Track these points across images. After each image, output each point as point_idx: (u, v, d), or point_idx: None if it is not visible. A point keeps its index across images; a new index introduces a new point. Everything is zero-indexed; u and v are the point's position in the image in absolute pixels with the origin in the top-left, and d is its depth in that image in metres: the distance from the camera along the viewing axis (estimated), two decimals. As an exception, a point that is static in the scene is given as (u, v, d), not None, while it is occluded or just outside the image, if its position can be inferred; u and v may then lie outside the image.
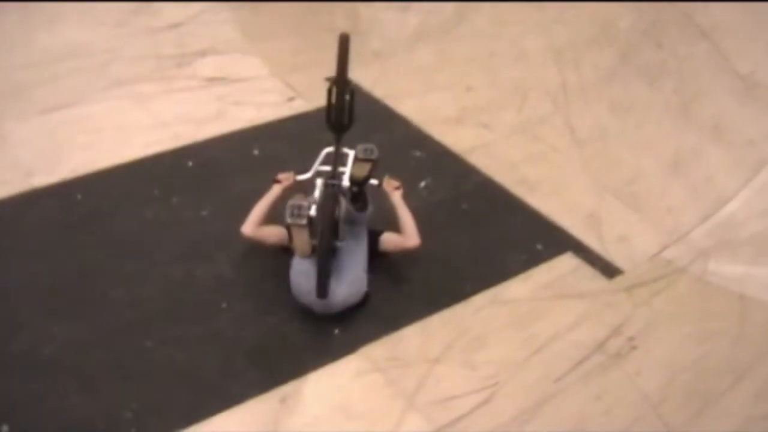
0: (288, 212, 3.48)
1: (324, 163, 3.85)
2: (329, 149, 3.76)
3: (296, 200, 3.52)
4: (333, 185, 3.62)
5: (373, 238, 3.91)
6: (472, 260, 4.13)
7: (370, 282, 3.79)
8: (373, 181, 3.95)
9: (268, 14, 5.82)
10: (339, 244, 3.72)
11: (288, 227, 3.70)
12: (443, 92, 5.33)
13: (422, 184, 4.57)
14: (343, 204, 3.76)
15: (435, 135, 4.96)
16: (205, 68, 5.32)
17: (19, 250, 3.95)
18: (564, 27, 5.43)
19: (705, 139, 4.65)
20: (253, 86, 5.25)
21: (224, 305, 3.74)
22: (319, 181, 3.75)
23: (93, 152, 4.51)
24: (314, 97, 5.06)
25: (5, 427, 3.17)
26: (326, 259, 3.55)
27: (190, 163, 4.56)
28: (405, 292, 3.93)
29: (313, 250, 3.60)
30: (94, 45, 5.32)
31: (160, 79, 5.15)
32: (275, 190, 3.95)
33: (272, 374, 3.44)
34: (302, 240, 3.56)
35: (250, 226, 3.89)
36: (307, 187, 3.84)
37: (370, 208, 3.97)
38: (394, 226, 3.95)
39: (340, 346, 3.61)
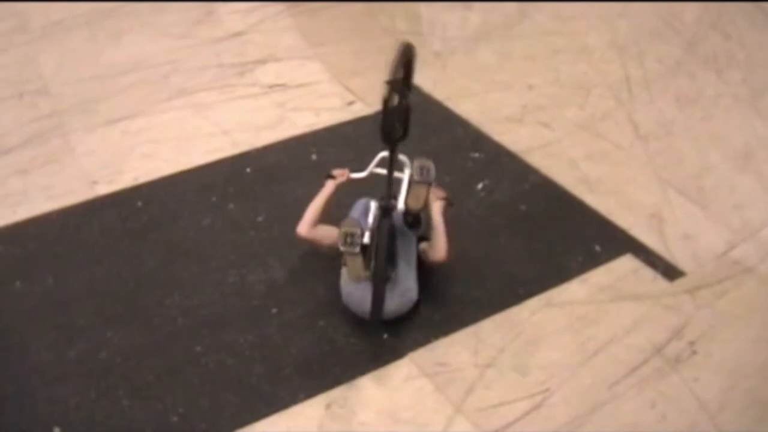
0: (341, 240, 3.43)
1: (380, 165, 3.79)
2: (385, 153, 3.67)
3: (349, 227, 3.45)
4: (387, 210, 3.58)
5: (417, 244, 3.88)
6: (528, 262, 4.04)
7: (421, 286, 3.75)
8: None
9: (327, 19, 5.84)
10: (392, 271, 3.68)
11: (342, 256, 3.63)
12: (504, 91, 5.24)
13: (479, 185, 4.50)
14: (397, 225, 3.74)
15: (494, 135, 4.88)
16: (266, 75, 5.38)
17: (81, 258, 4.07)
18: (627, 21, 5.28)
19: (776, 132, 4.44)
20: (313, 91, 5.27)
21: (275, 311, 3.77)
22: (374, 205, 3.73)
23: (154, 161, 4.62)
24: (374, 101, 5.04)
25: (57, 429, 3.27)
26: (382, 287, 3.51)
27: (248, 170, 4.61)
28: (458, 296, 3.87)
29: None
30: (158, 57, 5.45)
31: (220, 88, 5.23)
32: (329, 187, 3.91)
33: (319, 380, 3.45)
34: (355, 267, 3.51)
35: (305, 227, 3.86)
36: (361, 188, 3.83)
37: (422, 226, 3.92)
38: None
39: (389, 351, 3.58)
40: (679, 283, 3.88)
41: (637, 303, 3.78)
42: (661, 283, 3.89)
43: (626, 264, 4.00)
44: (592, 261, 4.02)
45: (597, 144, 4.75)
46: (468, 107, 5.10)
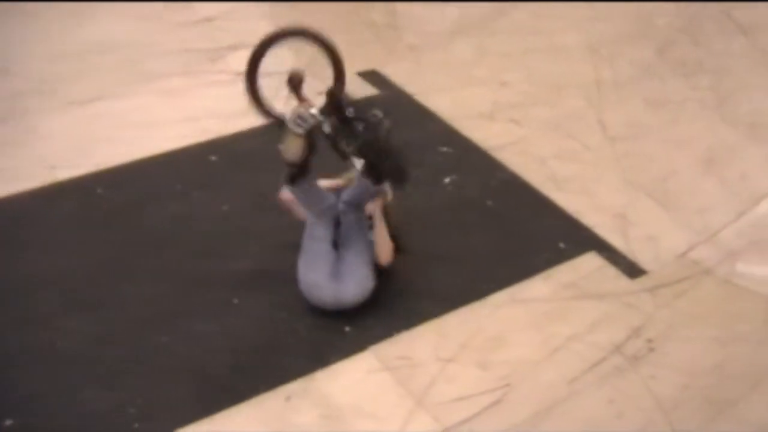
0: (292, 118, 3.55)
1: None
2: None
3: (303, 109, 3.58)
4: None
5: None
6: (493, 258, 4.05)
7: (384, 280, 3.74)
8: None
9: (304, 10, 5.78)
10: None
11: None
12: (477, 87, 5.24)
13: (447, 180, 4.50)
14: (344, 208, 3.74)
15: (464, 131, 4.88)
16: (237, 62, 5.28)
17: (40, 244, 4.01)
18: (602, 23, 5.33)
19: (740, 137, 4.51)
20: (283, 80, 5.20)
21: (236, 301, 3.74)
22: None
23: (117, 146, 4.55)
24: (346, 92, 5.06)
25: (8, 422, 3.21)
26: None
27: (214, 158, 4.57)
28: (421, 289, 3.86)
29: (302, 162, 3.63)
30: (126, 39, 5.39)
31: (190, 74, 5.18)
32: None
33: (280, 371, 3.43)
34: (295, 146, 3.60)
35: (287, 193, 3.86)
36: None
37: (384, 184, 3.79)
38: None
39: (351, 344, 3.57)
40: (641, 281, 3.91)
41: (599, 301, 3.81)
42: (623, 281, 3.91)
43: (590, 262, 4.02)
44: (557, 258, 4.03)
45: (566, 143, 4.77)
46: (440, 102, 5.09)
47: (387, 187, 3.82)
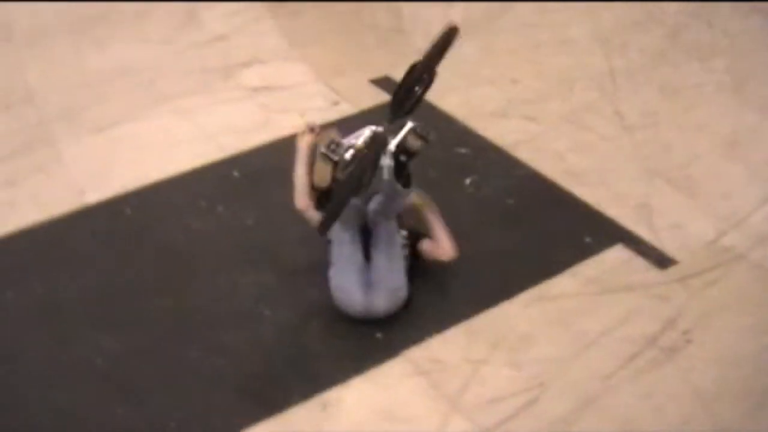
0: (325, 143, 3.48)
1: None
2: (374, 127, 3.64)
3: (337, 137, 3.52)
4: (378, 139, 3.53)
5: (414, 240, 3.86)
6: (518, 257, 4.04)
7: (412, 284, 3.75)
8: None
9: (310, 19, 5.83)
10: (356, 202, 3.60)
11: (315, 157, 3.64)
12: (488, 86, 5.24)
13: (467, 181, 4.51)
14: (385, 169, 3.64)
15: (479, 130, 4.88)
16: (250, 78, 5.36)
17: (71, 266, 4.06)
18: (609, 12, 5.29)
19: (762, 118, 4.46)
20: (298, 93, 5.26)
21: (267, 313, 3.77)
22: (368, 130, 3.63)
23: (141, 168, 4.59)
24: (359, 100, 5.08)
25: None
26: (344, 197, 3.41)
27: (236, 173, 4.60)
28: (449, 292, 3.87)
29: (329, 189, 3.57)
30: (142, 63, 5.43)
31: (205, 92, 5.22)
32: (302, 150, 3.82)
33: (314, 381, 3.45)
34: (323, 172, 3.53)
35: (302, 199, 3.77)
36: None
37: (412, 189, 3.79)
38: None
39: (383, 350, 3.58)
40: (671, 272, 3.89)
41: (629, 294, 3.80)
42: (652, 272, 3.90)
43: (617, 254, 4.01)
44: (583, 253, 4.02)
45: (583, 136, 4.77)
46: (452, 103, 5.08)
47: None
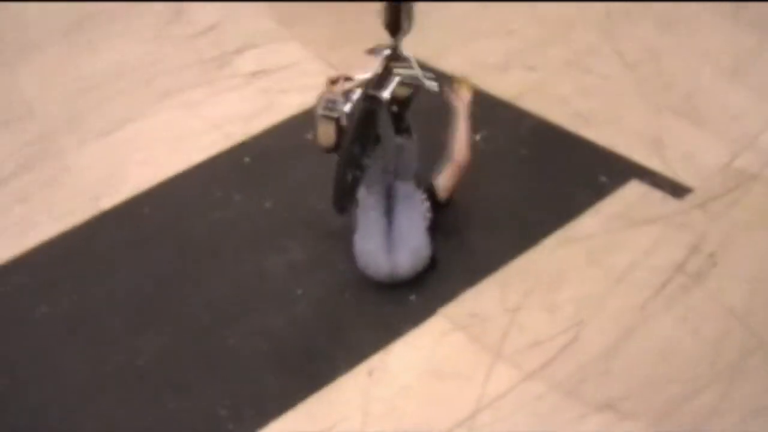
0: (322, 104, 3.54)
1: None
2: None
3: (333, 95, 3.56)
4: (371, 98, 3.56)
5: (431, 191, 3.88)
6: (538, 203, 4.09)
7: (438, 242, 3.79)
8: (432, 85, 3.74)
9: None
10: (368, 161, 3.63)
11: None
12: (485, 40, 5.23)
13: (477, 137, 4.52)
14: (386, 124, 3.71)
15: (482, 86, 4.85)
16: (246, 64, 5.35)
17: (98, 273, 4.08)
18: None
19: (764, 39, 4.47)
20: (296, 72, 5.25)
21: (299, 291, 3.80)
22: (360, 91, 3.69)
23: (152, 166, 4.61)
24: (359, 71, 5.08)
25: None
26: (343, 169, 3.48)
27: (247, 159, 4.62)
28: (475, 245, 3.92)
29: (337, 147, 3.61)
30: (137, 61, 5.41)
31: (204, 83, 5.21)
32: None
33: (356, 349, 3.50)
34: (327, 132, 3.59)
35: None
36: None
37: (415, 137, 3.88)
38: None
39: (419, 311, 3.63)
40: (689, 199, 3.94)
41: (651, 225, 3.84)
42: (670, 202, 3.94)
43: (634, 190, 4.05)
44: (600, 192, 4.06)
45: (586, 79, 4.78)
46: (452, 61, 5.05)
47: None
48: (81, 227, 4.34)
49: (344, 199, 3.61)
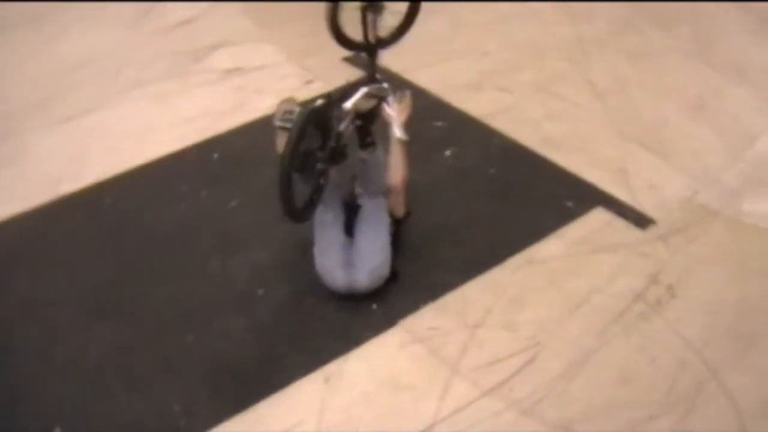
0: (278, 114, 3.47)
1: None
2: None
3: (289, 104, 3.50)
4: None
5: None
6: (504, 223, 4.12)
7: (402, 255, 3.80)
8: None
9: (276, 3, 5.80)
10: (322, 167, 3.55)
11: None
12: (459, 59, 5.29)
13: (447, 153, 4.56)
14: (345, 128, 3.64)
15: (455, 103, 4.93)
16: (221, 61, 5.33)
17: (55, 258, 4.01)
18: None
19: (727, 80, 4.62)
20: (270, 73, 5.24)
21: (261, 292, 3.78)
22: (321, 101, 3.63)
23: (117, 155, 4.55)
24: (332, 78, 5.06)
25: (57, 429, 3.25)
26: (285, 178, 3.35)
27: (215, 156, 4.58)
28: (440, 261, 3.92)
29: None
30: (107, 50, 5.36)
31: (176, 77, 5.17)
32: None
33: (314, 355, 3.48)
34: (283, 142, 3.47)
35: None
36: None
37: (381, 151, 3.80)
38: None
39: (380, 320, 3.63)
40: (651, 230, 4.02)
41: (613, 253, 3.91)
42: (633, 232, 4.02)
43: (598, 217, 4.12)
44: (566, 217, 4.12)
45: (556, 104, 4.86)
46: (426, 77, 5.12)
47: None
48: (40, 210, 4.25)
49: (295, 210, 3.48)
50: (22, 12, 5.75)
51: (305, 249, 3.87)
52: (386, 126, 3.74)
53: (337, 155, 3.64)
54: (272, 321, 3.67)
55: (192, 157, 4.57)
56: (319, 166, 3.53)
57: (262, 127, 4.77)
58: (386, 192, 3.78)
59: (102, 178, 4.43)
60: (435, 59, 5.28)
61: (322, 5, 5.47)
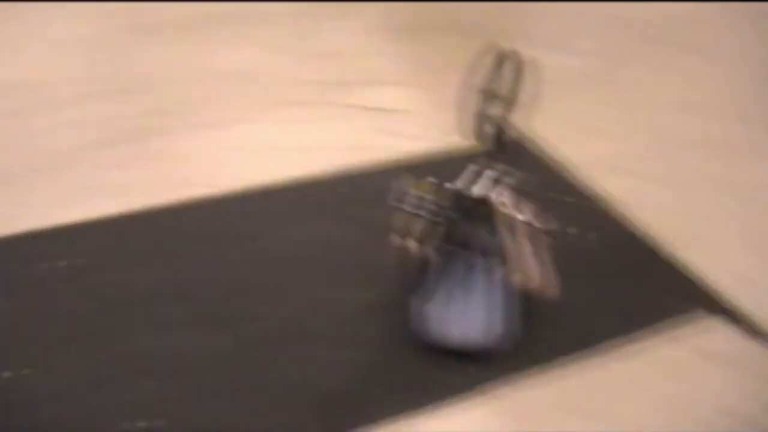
0: (406, 197, 3.47)
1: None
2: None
3: (420, 189, 3.51)
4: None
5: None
6: (614, 313, 3.98)
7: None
8: None
9: (435, 47, 5.87)
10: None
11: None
12: (601, 139, 5.21)
13: (571, 231, 4.47)
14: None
15: (589, 182, 4.84)
16: (365, 98, 5.43)
17: (172, 257, 4.15)
18: (728, 83, 5.25)
19: None
20: (412, 119, 5.30)
21: (363, 332, 3.79)
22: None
23: (248, 170, 4.69)
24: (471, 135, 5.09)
25: (142, 423, 3.32)
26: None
27: (343, 189, 4.65)
28: (545, 337, 3.81)
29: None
30: (257, 68, 5.56)
31: (318, 105, 5.31)
32: None
33: (400, 406, 3.42)
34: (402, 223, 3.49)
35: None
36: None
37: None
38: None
39: (473, 385, 3.53)
40: (772, 352, 3.80)
41: (727, 366, 3.70)
42: (756, 350, 3.80)
43: (718, 326, 3.92)
44: (682, 319, 3.94)
45: (694, 200, 4.70)
46: (565, 151, 5.06)
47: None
48: (169, 209, 4.43)
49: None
50: (195, 18, 6.04)
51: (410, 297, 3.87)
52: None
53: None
54: (368, 363, 3.64)
55: (319, 186, 4.66)
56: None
57: (392, 169, 4.84)
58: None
59: (230, 188, 4.57)
60: (576, 135, 5.20)
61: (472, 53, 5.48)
